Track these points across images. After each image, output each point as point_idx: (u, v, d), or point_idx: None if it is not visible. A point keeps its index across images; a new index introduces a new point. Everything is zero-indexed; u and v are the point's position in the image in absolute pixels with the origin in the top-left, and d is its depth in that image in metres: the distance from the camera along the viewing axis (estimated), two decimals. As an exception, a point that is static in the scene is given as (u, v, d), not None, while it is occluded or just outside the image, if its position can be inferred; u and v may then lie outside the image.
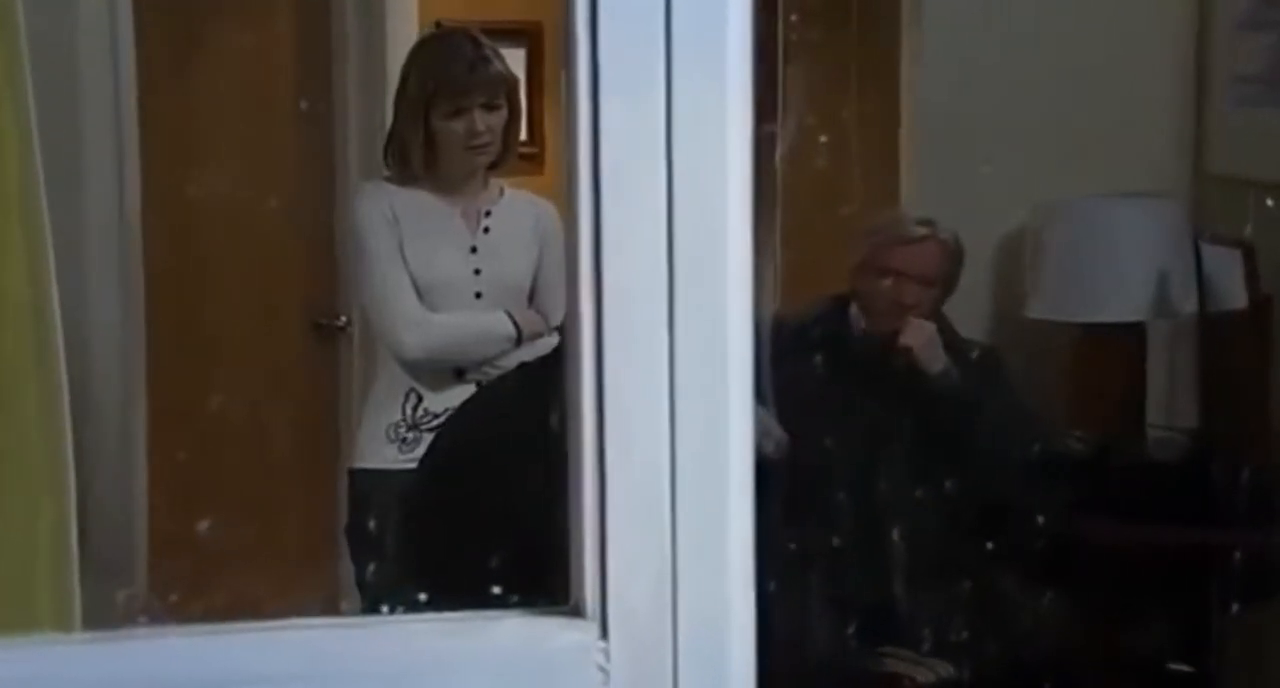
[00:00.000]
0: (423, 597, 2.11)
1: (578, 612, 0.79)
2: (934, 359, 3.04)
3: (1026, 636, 3.02)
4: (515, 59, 4.82)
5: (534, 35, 4.82)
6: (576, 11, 0.78)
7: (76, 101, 2.89)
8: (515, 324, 2.63)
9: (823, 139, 4.18)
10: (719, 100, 0.80)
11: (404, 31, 3.50)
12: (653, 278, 0.79)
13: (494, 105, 2.73)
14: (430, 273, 2.69)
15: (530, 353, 2.55)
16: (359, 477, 2.61)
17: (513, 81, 2.79)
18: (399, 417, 2.60)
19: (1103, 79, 3.50)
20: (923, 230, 3.11)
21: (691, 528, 0.80)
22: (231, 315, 3.31)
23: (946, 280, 3.10)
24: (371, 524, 2.53)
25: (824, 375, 3.08)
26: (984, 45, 3.46)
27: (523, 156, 4.75)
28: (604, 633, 0.78)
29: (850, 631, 2.97)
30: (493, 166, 2.80)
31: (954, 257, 3.11)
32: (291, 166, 3.45)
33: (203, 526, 3.21)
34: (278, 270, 3.29)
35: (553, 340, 2.41)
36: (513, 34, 4.78)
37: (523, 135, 4.79)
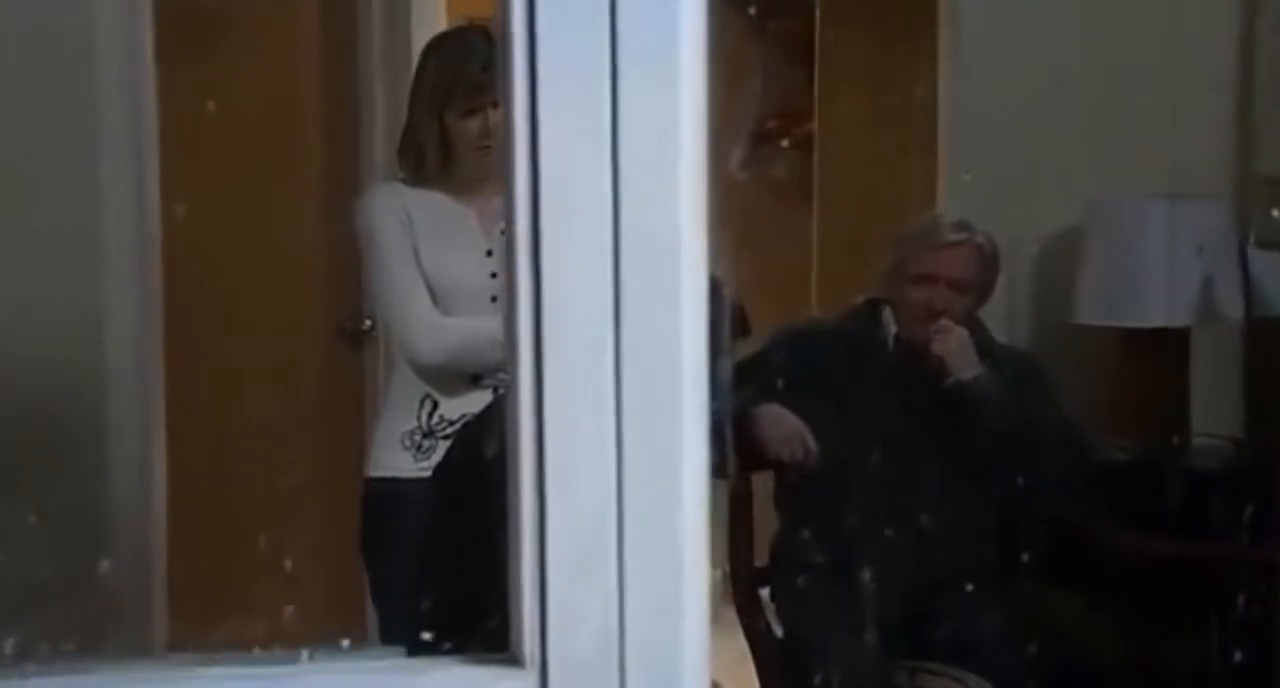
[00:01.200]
0: (433, 611, 2.06)
1: (515, 661, 0.73)
2: (967, 365, 2.95)
3: (1064, 651, 2.93)
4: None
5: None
6: (512, 8, 0.72)
7: (94, 104, 2.84)
8: None
9: (859, 140, 4.11)
10: (670, 108, 0.73)
11: (430, 31, 3.45)
12: (597, 307, 0.73)
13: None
14: (445, 276, 2.63)
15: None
16: (374, 486, 2.55)
17: None
18: (414, 424, 2.54)
19: (1147, 78, 3.40)
20: (957, 235, 3.02)
21: (640, 573, 0.73)
22: (254, 319, 3.26)
23: (982, 286, 3.02)
24: (386, 535, 2.47)
25: (856, 382, 3.00)
26: (1024, 44, 3.38)
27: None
28: (544, 684, 0.72)
29: (883, 644, 2.89)
30: None
31: (989, 261, 3.02)
32: (315, 168, 3.41)
33: (223, 533, 3.18)
34: (301, 274, 3.24)
35: None
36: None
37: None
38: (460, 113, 2.61)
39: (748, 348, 2.96)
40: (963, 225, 3.05)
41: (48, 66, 2.80)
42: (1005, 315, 3.26)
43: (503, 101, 0.73)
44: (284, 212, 3.25)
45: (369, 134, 3.43)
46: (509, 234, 0.72)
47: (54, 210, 2.82)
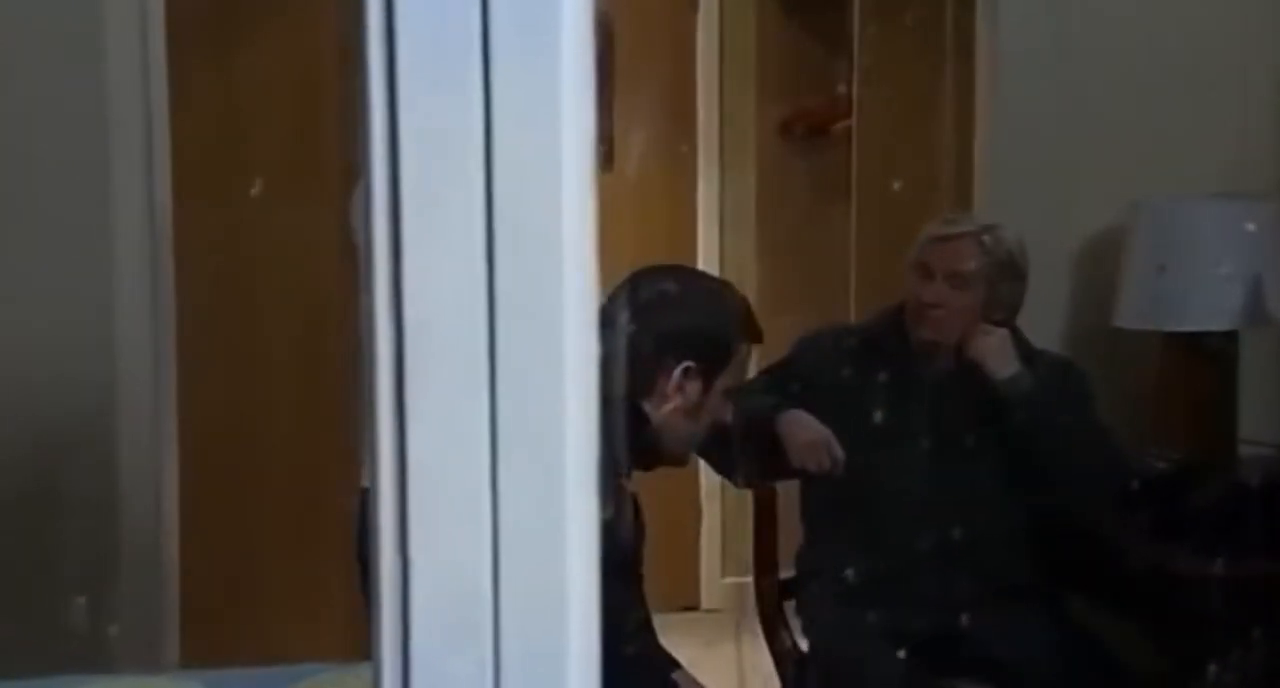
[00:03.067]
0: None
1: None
2: (1004, 365, 2.83)
3: (1102, 671, 2.81)
4: (583, 53, 4.68)
5: (602, 24, 4.67)
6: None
7: (104, 105, 2.77)
8: None
9: (898, 135, 4.00)
10: (550, 104, 0.63)
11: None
12: (468, 334, 0.63)
13: None
14: None
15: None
16: (369, 497, 2.45)
17: None
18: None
19: (1192, 75, 3.28)
20: (952, 227, 2.90)
21: (520, 640, 0.63)
22: (268, 321, 3.19)
23: (992, 282, 2.88)
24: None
25: (882, 387, 2.89)
26: (1065, 39, 3.25)
27: (591, 154, 4.64)
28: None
29: (911, 661, 2.78)
30: None
31: (997, 257, 2.87)
32: (334, 166, 3.33)
33: (237, 545, 3.11)
34: (317, 276, 3.16)
35: None
36: (581, 27, 4.64)
37: (590, 132, 4.68)
38: None
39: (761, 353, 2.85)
40: (959, 218, 2.93)
41: (56, 66, 2.74)
42: (1043, 319, 3.14)
43: (359, 97, 0.64)
44: (302, 212, 3.17)
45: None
46: (365, 249, 0.63)
47: (62, 214, 2.76)
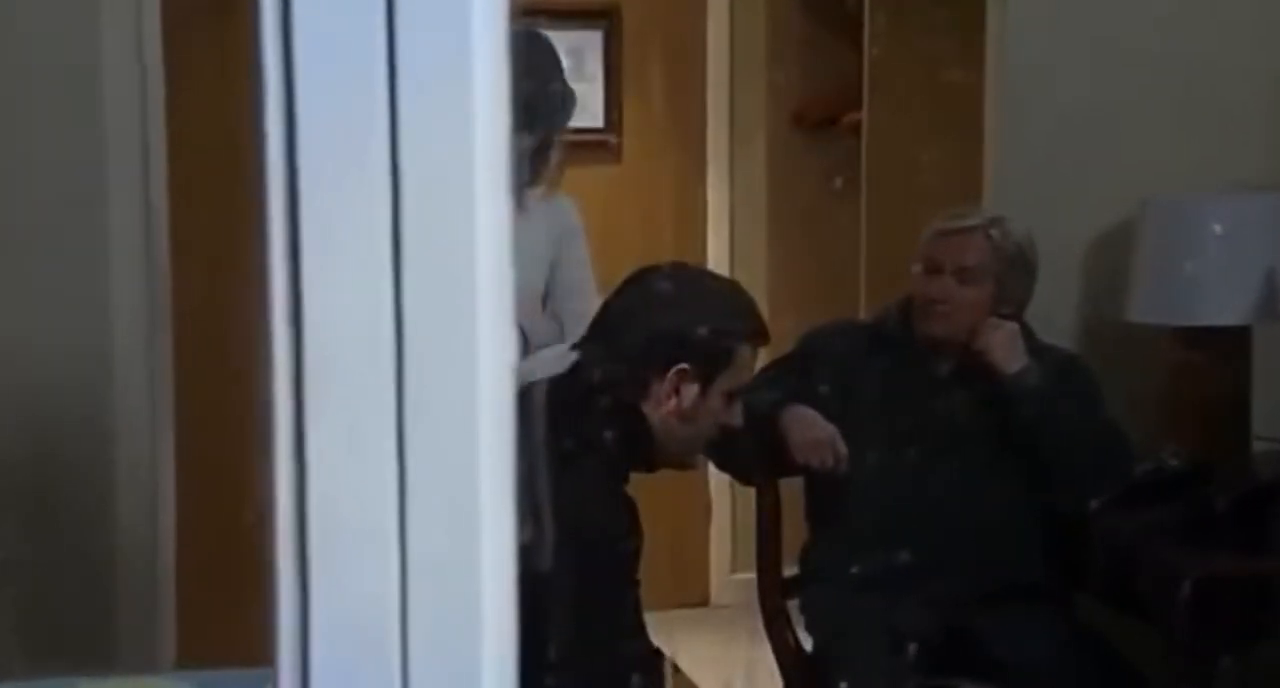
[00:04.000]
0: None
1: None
2: (1013, 359, 2.79)
3: (1111, 671, 2.77)
4: (592, 42, 4.65)
5: (612, 17, 4.63)
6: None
7: (101, 105, 2.74)
8: (524, 335, 2.44)
9: (908, 129, 3.95)
10: (462, 113, 0.59)
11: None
12: (373, 351, 0.59)
13: (532, 127, 2.53)
14: None
15: (544, 369, 2.34)
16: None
17: (566, 103, 2.59)
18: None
19: (1204, 69, 3.22)
20: (960, 221, 2.86)
21: (430, 676, 0.59)
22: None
23: (1000, 279, 2.83)
24: None
25: (888, 383, 2.85)
26: (1076, 33, 3.21)
27: (598, 145, 4.62)
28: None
29: (917, 661, 2.74)
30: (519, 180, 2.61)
31: (1006, 254, 2.83)
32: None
33: (233, 558, 3.08)
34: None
35: (570, 357, 2.20)
36: (590, 15, 4.61)
37: (599, 123, 4.66)
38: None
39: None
40: (966, 213, 2.89)
41: (52, 67, 2.71)
42: (1053, 314, 3.09)
43: (252, 90, 0.60)
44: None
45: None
46: (260, 266, 0.59)
47: (58, 217, 2.73)
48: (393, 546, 0.59)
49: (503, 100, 0.60)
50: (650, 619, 4.79)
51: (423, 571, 0.59)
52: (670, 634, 4.47)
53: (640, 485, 2.09)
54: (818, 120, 4.62)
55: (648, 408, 2.06)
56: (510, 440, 0.61)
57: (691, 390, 2.06)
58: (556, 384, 2.14)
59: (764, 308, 4.72)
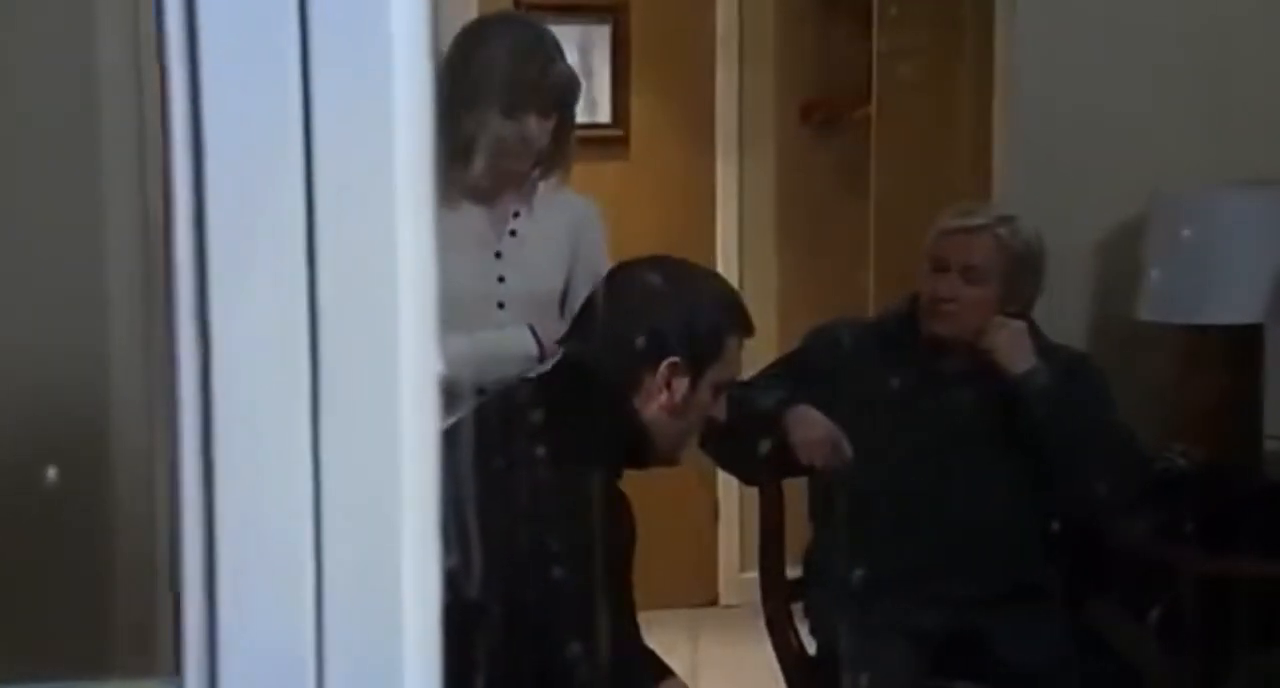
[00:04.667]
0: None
1: None
2: (1020, 360, 2.75)
3: (1119, 675, 2.73)
4: (600, 37, 4.62)
5: (620, 12, 4.60)
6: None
7: (97, 106, 2.71)
8: (538, 340, 2.40)
9: (917, 122, 3.91)
10: (381, 112, 0.56)
11: (462, 16, 3.28)
12: (287, 369, 0.56)
13: (547, 113, 2.50)
14: (449, 281, 2.47)
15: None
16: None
17: (573, 90, 2.55)
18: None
19: (1214, 60, 3.18)
20: (969, 220, 2.81)
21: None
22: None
23: (1009, 279, 2.79)
24: None
25: (893, 382, 2.81)
26: (1085, 25, 3.17)
27: (606, 140, 4.58)
28: None
29: (923, 664, 2.71)
30: (530, 171, 2.56)
31: (1014, 253, 2.79)
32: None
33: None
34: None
35: None
36: (598, 11, 4.58)
37: (606, 118, 4.63)
38: (503, 113, 2.45)
39: (761, 346, 2.77)
40: (975, 210, 2.84)
41: (47, 64, 2.68)
42: (1063, 312, 3.05)
43: (161, 95, 0.57)
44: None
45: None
46: (167, 282, 0.56)
47: (54, 215, 2.71)
48: (308, 564, 0.56)
49: (424, 103, 0.57)
50: (659, 619, 4.75)
51: (339, 604, 0.56)
52: (679, 634, 4.45)
53: (648, 484, 2.06)
54: (827, 115, 4.58)
55: (639, 403, 2.02)
56: (434, 452, 0.58)
57: (683, 384, 2.02)
58: (542, 383, 2.11)
59: (773, 304, 4.74)
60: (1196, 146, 3.19)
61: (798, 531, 2.94)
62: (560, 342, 2.15)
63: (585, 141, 4.53)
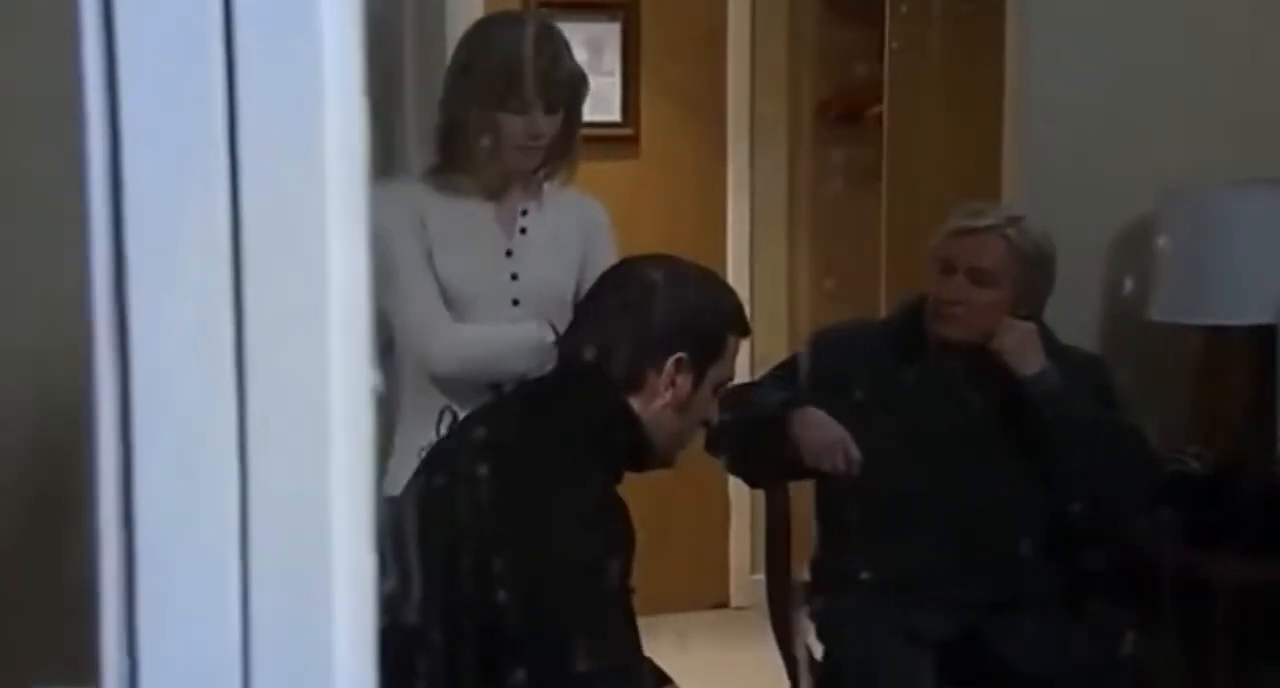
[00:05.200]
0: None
1: None
2: (1030, 361, 2.71)
3: (1132, 681, 2.70)
4: (610, 34, 4.59)
5: (630, 10, 4.57)
6: None
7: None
8: (556, 332, 2.38)
9: (930, 120, 3.87)
10: (311, 98, 0.54)
11: (468, 13, 3.25)
12: (211, 372, 0.54)
13: (555, 109, 2.48)
14: (461, 279, 2.46)
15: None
16: (393, 507, 2.35)
17: (580, 86, 2.53)
18: (433, 438, 2.36)
19: (1227, 55, 3.14)
20: (976, 221, 2.78)
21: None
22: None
23: (1018, 281, 2.76)
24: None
25: (902, 384, 2.78)
26: (1097, 19, 3.13)
27: (616, 139, 4.55)
28: None
29: (932, 669, 2.68)
30: (537, 169, 2.54)
31: (1023, 255, 2.75)
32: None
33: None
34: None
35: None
36: (608, 8, 4.55)
37: (616, 116, 4.60)
38: (510, 109, 2.43)
39: (772, 345, 2.75)
40: (984, 211, 2.80)
41: (39, 59, 2.66)
42: (1074, 313, 3.01)
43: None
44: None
45: (400, 125, 3.25)
46: (86, 299, 0.53)
47: (47, 210, 2.68)
48: (233, 571, 0.53)
49: (355, 108, 0.55)
50: (669, 621, 4.74)
51: (266, 637, 0.53)
52: (689, 636, 4.43)
53: (659, 486, 2.03)
54: (840, 113, 4.54)
55: (640, 402, 1.99)
56: (367, 457, 0.56)
57: (687, 381, 1.99)
58: (540, 386, 2.08)
59: (784, 303, 4.70)
60: (1210, 143, 3.16)
61: (805, 534, 2.91)
62: (557, 343, 2.12)
63: (595, 140, 4.51)
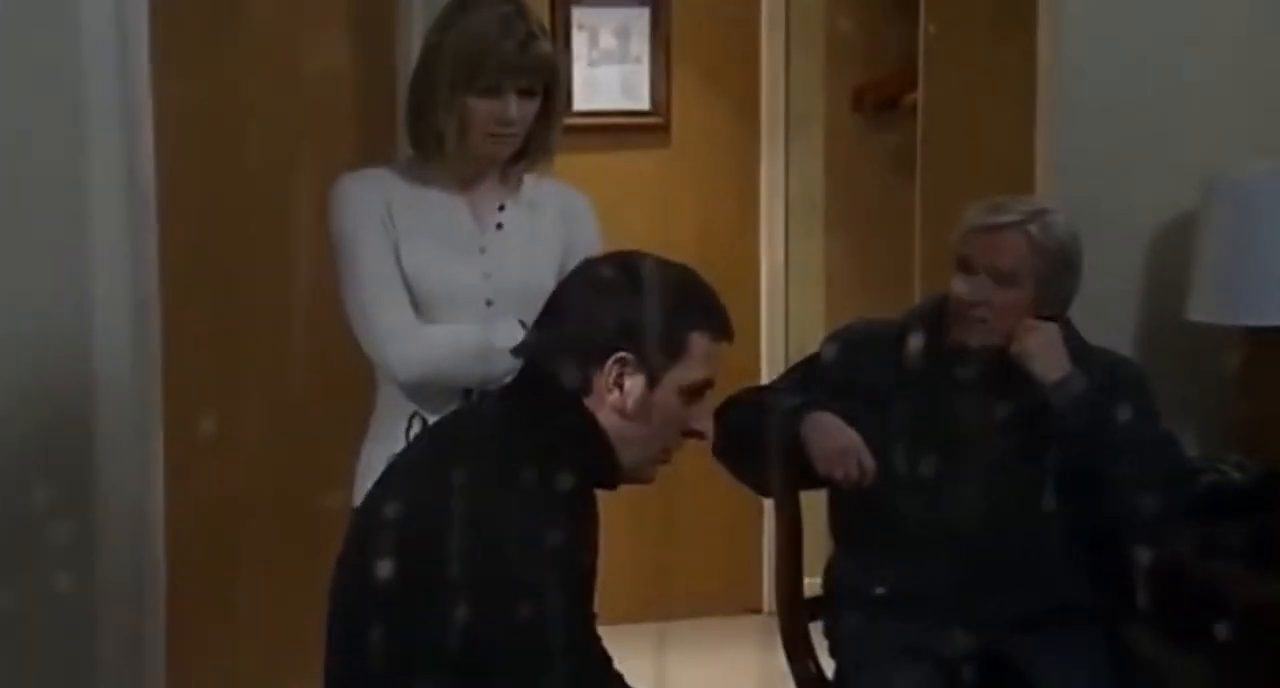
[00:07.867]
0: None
1: None
2: (1054, 367, 2.58)
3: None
4: (639, 19, 4.48)
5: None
6: None
7: (82, 82, 2.60)
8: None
9: (965, 109, 3.75)
10: None
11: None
12: None
13: (531, 92, 2.36)
14: (429, 277, 2.35)
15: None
16: (353, 519, 2.24)
17: (556, 69, 2.41)
18: (403, 445, 2.25)
19: (1273, 42, 2.99)
20: (996, 218, 2.63)
21: None
22: (266, 319, 3.02)
23: (1040, 280, 2.61)
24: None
25: (920, 388, 2.65)
26: (1131, 7, 3.00)
27: (646, 128, 4.46)
28: None
29: (948, 685, 2.55)
30: (516, 160, 2.43)
31: (1047, 253, 2.60)
32: (348, 149, 3.15)
33: (224, 567, 2.98)
34: (313, 273, 2.97)
35: None
36: (636, -7, 4.46)
37: (645, 105, 4.49)
38: (479, 91, 2.32)
39: (807, 337, 2.61)
40: (1007, 204, 2.65)
41: (34, 53, 2.59)
42: (1108, 313, 2.89)
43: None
44: (311, 204, 2.97)
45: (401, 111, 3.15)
46: None
47: (39, 204, 2.62)
48: None
49: None
50: (701, 626, 4.61)
51: None
52: (720, 641, 4.33)
53: (690, 491, 1.91)
54: (877, 101, 4.43)
55: (592, 406, 1.86)
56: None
57: (637, 383, 1.85)
58: (501, 396, 1.97)
59: (820, 295, 4.59)
60: (1258, 131, 3.02)
61: (819, 545, 2.79)
62: (515, 350, 2.00)
63: (623, 129, 4.44)
